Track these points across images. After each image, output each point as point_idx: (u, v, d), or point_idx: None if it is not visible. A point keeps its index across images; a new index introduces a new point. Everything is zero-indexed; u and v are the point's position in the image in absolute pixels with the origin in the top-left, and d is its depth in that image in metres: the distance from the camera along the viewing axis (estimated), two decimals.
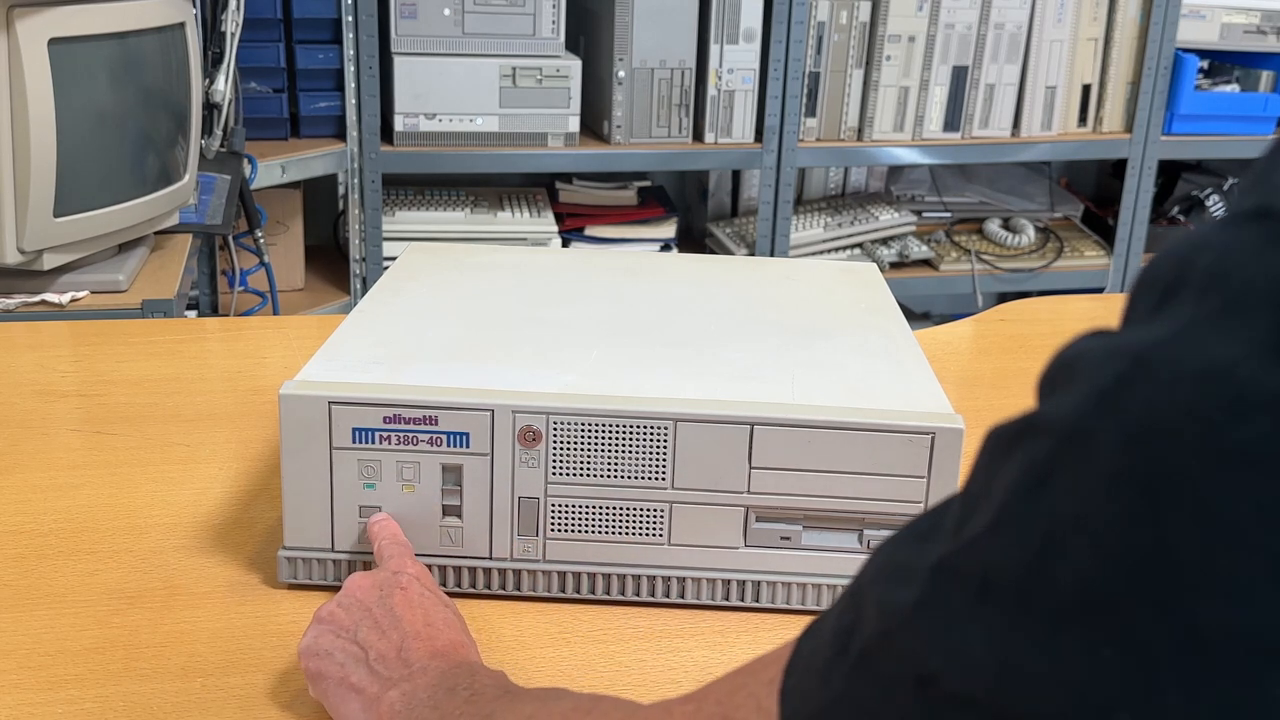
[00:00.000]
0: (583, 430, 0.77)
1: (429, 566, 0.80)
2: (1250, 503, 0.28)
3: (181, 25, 1.67)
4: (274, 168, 2.22)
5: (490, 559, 0.81)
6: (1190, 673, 0.28)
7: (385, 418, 0.77)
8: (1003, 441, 0.34)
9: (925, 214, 2.85)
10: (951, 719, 0.32)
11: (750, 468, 0.78)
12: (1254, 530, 0.28)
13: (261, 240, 2.17)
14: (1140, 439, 0.30)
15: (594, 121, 2.54)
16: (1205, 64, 2.76)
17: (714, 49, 2.48)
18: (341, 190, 2.51)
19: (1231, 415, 0.29)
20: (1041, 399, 0.34)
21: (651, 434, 0.77)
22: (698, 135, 2.55)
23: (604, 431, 0.77)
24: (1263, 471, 0.28)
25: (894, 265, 2.73)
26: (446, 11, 2.35)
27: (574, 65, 2.41)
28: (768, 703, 0.39)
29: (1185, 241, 0.33)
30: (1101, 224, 2.91)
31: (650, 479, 0.78)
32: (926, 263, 2.77)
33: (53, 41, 1.44)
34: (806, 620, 0.81)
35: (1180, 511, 0.29)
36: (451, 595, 0.81)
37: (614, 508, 0.79)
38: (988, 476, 0.34)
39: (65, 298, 1.57)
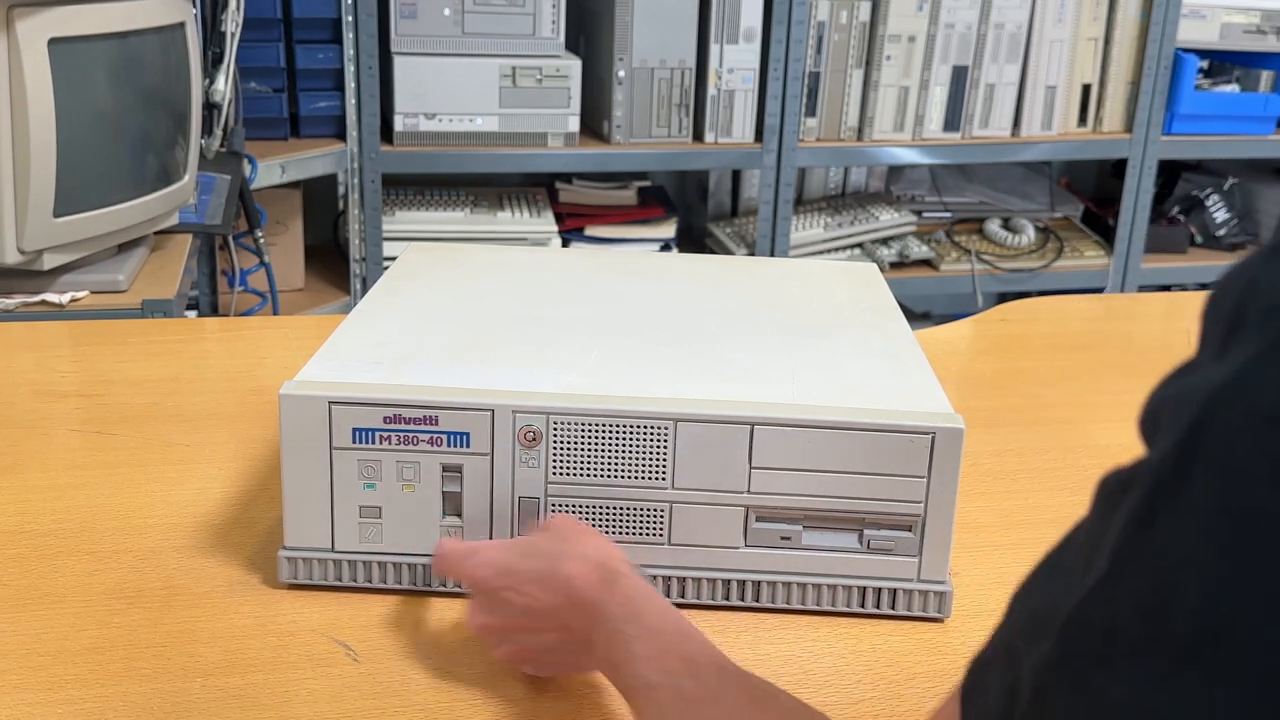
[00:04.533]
0: (583, 430, 0.77)
1: (427, 567, 0.80)
2: None
3: (181, 25, 1.67)
4: (274, 168, 2.22)
5: None
6: None
7: (385, 418, 0.77)
8: (1113, 489, 0.36)
9: (925, 214, 2.85)
10: None
11: (750, 468, 0.78)
12: None
13: (261, 240, 2.16)
14: (1223, 479, 0.32)
15: (594, 121, 2.54)
16: (1205, 64, 2.75)
17: (714, 49, 2.48)
18: (341, 190, 2.51)
19: None
20: (1144, 444, 0.36)
21: (651, 434, 0.77)
22: (698, 135, 2.55)
23: (604, 431, 0.77)
24: None
25: (894, 265, 2.73)
26: (446, 11, 2.35)
27: (574, 65, 2.41)
28: None
29: (1241, 273, 0.35)
30: (1101, 224, 2.90)
31: (650, 479, 0.78)
32: (926, 263, 2.77)
33: (53, 41, 1.44)
34: (807, 620, 0.81)
35: (1267, 546, 0.30)
36: (452, 596, 0.81)
37: (614, 508, 0.79)
38: (1103, 524, 0.36)
39: (65, 298, 1.57)
